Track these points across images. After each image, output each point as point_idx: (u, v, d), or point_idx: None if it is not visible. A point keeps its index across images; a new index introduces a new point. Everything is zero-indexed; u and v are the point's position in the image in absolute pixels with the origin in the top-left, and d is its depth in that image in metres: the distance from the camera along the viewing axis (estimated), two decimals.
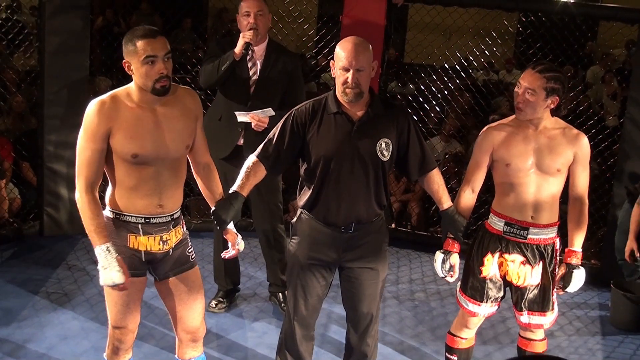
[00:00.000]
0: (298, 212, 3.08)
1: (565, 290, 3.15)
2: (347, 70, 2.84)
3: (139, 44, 2.60)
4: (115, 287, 2.68)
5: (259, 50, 3.99)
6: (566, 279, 3.12)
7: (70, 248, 5.03)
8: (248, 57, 3.97)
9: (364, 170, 2.92)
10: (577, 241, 3.15)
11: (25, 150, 5.61)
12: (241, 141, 4.05)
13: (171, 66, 2.66)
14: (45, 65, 5.11)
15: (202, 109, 2.90)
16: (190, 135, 2.81)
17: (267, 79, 3.98)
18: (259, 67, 3.98)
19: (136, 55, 2.61)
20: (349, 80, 2.84)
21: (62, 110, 5.15)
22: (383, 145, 2.92)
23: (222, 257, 3.07)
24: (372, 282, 3.07)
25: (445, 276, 3.19)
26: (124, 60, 2.66)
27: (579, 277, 3.14)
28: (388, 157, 2.94)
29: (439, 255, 3.19)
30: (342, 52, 2.86)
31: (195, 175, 2.99)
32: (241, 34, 3.89)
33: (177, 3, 9.11)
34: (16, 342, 3.76)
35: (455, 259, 3.18)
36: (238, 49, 3.85)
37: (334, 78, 2.93)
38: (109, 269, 2.65)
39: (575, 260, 3.14)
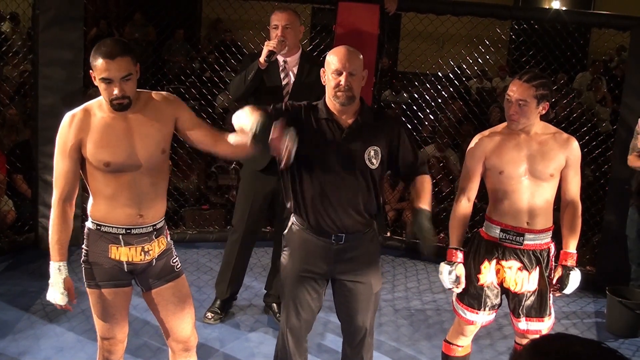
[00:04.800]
0: (289, 223, 3.08)
1: (562, 292, 3.14)
2: (340, 73, 2.87)
3: (98, 62, 2.62)
4: (58, 306, 2.80)
5: (292, 61, 4.04)
6: (563, 281, 3.12)
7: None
8: (280, 68, 4.01)
9: (352, 178, 2.92)
10: (572, 244, 3.15)
11: (19, 162, 5.61)
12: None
13: (131, 87, 2.67)
14: (39, 76, 5.12)
15: (181, 104, 2.87)
16: (165, 138, 2.79)
17: (301, 88, 3.99)
18: (292, 77, 4.02)
19: (96, 71, 2.64)
20: (342, 82, 2.86)
21: (56, 122, 4.87)
22: (372, 153, 2.92)
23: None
24: (365, 296, 3.06)
25: (452, 287, 3.18)
26: (90, 71, 2.68)
27: (575, 279, 3.13)
28: (377, 165, 2.94)
29: (444, 267, 3.17)
30: (335, 56, 2.89)
31: (215, 150, 2.97)
32: (265, 43, 3.93)
33: (170, 14, 9.15)
34: (12, 355, 3.75)
35: (460, 270, 3.16)
36: (262, 57, 3.88)
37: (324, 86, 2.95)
38: (54, 288, 2.78)
39: (571, 262, 3.14)
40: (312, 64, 4.07)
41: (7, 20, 9.25)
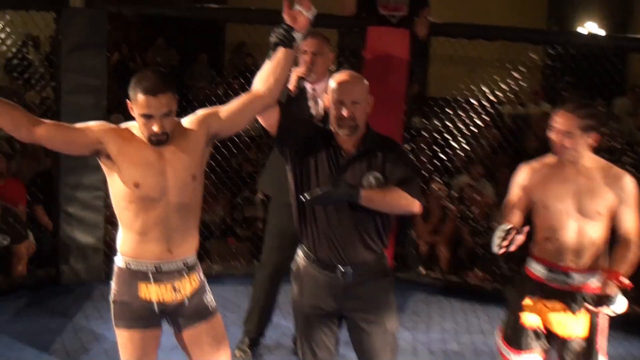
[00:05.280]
0: (296, 256, 3.03)
1: (610, 307, 2.86)
2: (342, 103, 2.85)
3: (139, 97, 2.63)
4: None
5: (320, 87, 3.97)
6: (608, 297, 2.84)
7: (88, 296, 4.93)
8: (309, 96, 3.96)
9: (351, 206, 2.85)
10: (621, 267, 2.92)
11: (40, 193, 5.56)
12: None
13: (171, 123, 2.69)
14: (61, 104, 5.08)
15: (206, 117, 2.84)
16: (195, 162, 2.78)
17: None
18: (321, 105, 3.96)
19: (135, 105, 2.66)
20: (344, 113, 2.84)
21: None
22: (371, 179, 2.87)
23: None
24: (380, 337, 2.97)
25: (501, 246, 2.86)
26: (128, 101, 2.69)
27: (622, 301, 2.87)
28: None
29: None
30: (336, 84, 2.88)
31: (261, 111, 2.91)
32: (293, 69, 3.87)
33: (193, 38, 9.17)
34: None
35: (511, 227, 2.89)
36: (291, 84, 3.80)
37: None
38: None
39: (619, 281, 2.87)
40: None
41: (30, 46, 9.29)
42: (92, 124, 2.74)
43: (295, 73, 3.82)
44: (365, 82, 2.92)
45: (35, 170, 5.94)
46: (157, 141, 2.68)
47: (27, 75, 7.29)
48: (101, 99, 5.17)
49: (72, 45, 5.04)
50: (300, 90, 3.86)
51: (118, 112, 7.20)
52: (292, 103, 3.84)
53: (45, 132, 2.65)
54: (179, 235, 2.77)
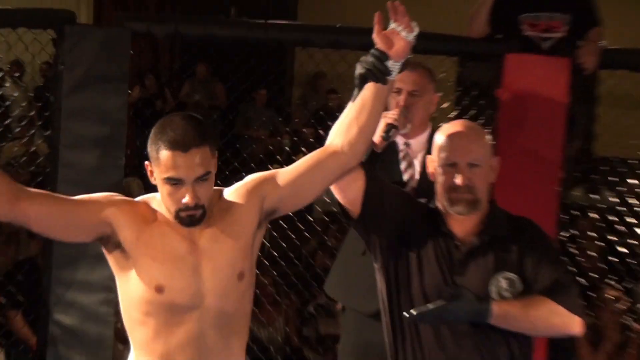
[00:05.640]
0: None
1: None
2: (454, 165, 2.94)
3: (163, 154, 2.68)
4: None
5: (418, 145, 4.01)
6: None
7: None
8: (401, 154, 3.98)
9: (475, 325, 2.90)
10: None
11: (20, 293, 5.65)
12: None
13: (207, 190, 2.74)
14: (59, 163, 5.10)
15: (263, 182, 2.91)
16: (243, 254, 2.85)
17: (430, 184, 3.89)
18: (416, 169, 3.99)
19: (157, 166, 2.72)
20: (458, 181, 2.92)
21: None
22: (503, 284, 2.92)
23: None
24: None
25: None
26: (146, 162, 2.77)
27: None
28: None
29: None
30: (446, 139, 2.99)
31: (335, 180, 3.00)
32: (383, 114, 3.85)
33: (247, 66, 9.25)
34: None
35: None
36: (377, 134, 3.77)
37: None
38: None
39: None
40: None
41: (10, 77, 9.54)
42: (98, 197, 2.81)
43: (385, 119, 3.80)
44: (488, 136, 3.04)
45: (12, 260, 5.99)
46: (190, 219, 2.71)
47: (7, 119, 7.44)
48: (116, 157, 5.19)
49: (77, 79, 5.09)
50: (389, 145, 3.85)
51: (138, 175, 7.32)
52: (374, 164, 3.83)
53: (32, 207, 2.69)
54: (218, 358, 2.80)
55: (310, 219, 6.43)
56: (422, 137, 4.02)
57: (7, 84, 9.41)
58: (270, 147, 8.63)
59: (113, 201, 2.79)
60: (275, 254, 5.98)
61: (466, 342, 2.92)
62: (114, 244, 2.76)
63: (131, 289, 2.78)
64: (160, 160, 2.68)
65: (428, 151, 3.90)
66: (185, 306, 2.76)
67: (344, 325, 4.39)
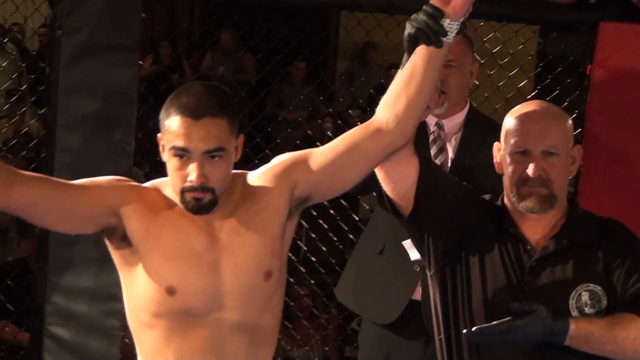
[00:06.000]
0: None
1: None
2: (525, 153, 2.93)
3: (173, 120, 2.73)
4: None
5: (452, 125, 4.06)
6: None
7: None
8: (431, 136, 4.02)
9: (549, 346, 2.87)
10: None
11: (9, 301, 5.67)
12: (418, 293, 4.03)
13: (221, 173, 2.76)
14: (55, 147, 5.11)
15: (294, 165, 2.93)
16: (273, 248, 2.87)
17: (464, 175, 3.91)
18: (450, 154, 4.05)
19: (166, 135, 2.76)
20: (530, 171, 2.90)
21: None
22: (585, 298, 2.91)
23: None
24: None
25: None
26: (158, 135, 2.83)
27: None
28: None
29: None
30: (517, 122, 2.98)
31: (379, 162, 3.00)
32: None
33: (280, 33, 9.22)
34: None
35: None
36: None
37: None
38: None
39: None
40: (483, 131, 4.02)
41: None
42: (103, 181, 2.84)
43: None
44: (570, 121, 3.02)
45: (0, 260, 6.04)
46: (196, 203, 2.73)
47: None
48: (125, 141, 5.21)
49: (78, 46, 5.09)
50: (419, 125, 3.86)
51: (150, 163, 7.34)
52: None
53: (26, 193, 2.69)
54: None
55: (356, 217, 6.39)
56: (458, 117, 4.07)
57: None
58: (309, 132, 8.63)
59: (120, 187, 2.82)
60: (314, 259, 5.96)
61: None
62: (120, 237, 2.79)
63: (138, 289, 2.81)
64: (170, 127, 2.73)
65: (464, 133, 4.02)
66: (201, 310, 2.79)
67: (360, 337, 4.43)
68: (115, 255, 2.84)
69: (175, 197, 2.80)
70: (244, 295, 2.80)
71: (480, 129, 4.04)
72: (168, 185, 2.82)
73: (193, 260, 2.78)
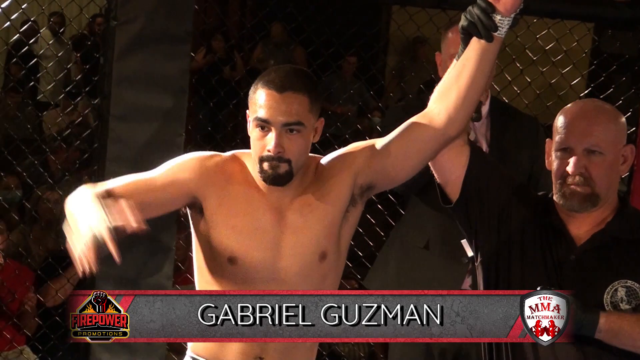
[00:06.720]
0: None
1: None
2: (568, 150, 2.93)
3: (259, 93, 2.89)
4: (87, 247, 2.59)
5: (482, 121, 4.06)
6: None
7: None
8: None
9: (581, 340, 2.85)
10: None
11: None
12: (467, 283, 4.08)
13: (298, 146, 2.87)
14: (108, 137, 5.16)
15: (358, 155, 3.01)
16: (332, 231, 2.98)
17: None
18: (484, 145, 4.06)
19: (251, 106, 2.92)
20: (571, 168, 2.91)
21: None
22: (620, 293, 2.91)
23: None
24: None
25: None
26: (247, 111, 2.97)
27: None
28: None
29: None
30: (564, 120, 2.97)
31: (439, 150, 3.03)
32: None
33: (332, 27, 9.21)
34: None
35: None
36: None
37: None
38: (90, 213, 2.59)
39: None
40: (505, 119, 4.11)
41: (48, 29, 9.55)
42: (186, 166, 2.96)
43: None
44: (622, 119, 2.99)
45: (53, 247, 6.06)
46: (273, 172, 2.86)
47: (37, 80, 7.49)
48: (176, 130, 5.25)
49: (131, 36, 5.13)
50: None
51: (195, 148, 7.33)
52: None
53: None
54: (283, 345, 2.90)
55: (402, 212, 6.35)
56: (484, 108, 4.08)
57: (50, 41, 9.45)
58: (359, 127, 8.60)
59: (201, 172, 2.94)
60: (360, 253, 5.93)
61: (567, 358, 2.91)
62: (198, 209, 2.95)
63: (204, 254, 2.99)
64: (255, 100, 2.88)
65: (490, 121, 4.07)
66: (258, 281, 2.91)
67: None
68: (191, 220, 3.00)
69: (254, 169, 2.91)
70: (298, 272, 2.93)
71: (500, 116, 4.13)
72: (250, 157, 2.94)
73: (258, 235, 2.91)
